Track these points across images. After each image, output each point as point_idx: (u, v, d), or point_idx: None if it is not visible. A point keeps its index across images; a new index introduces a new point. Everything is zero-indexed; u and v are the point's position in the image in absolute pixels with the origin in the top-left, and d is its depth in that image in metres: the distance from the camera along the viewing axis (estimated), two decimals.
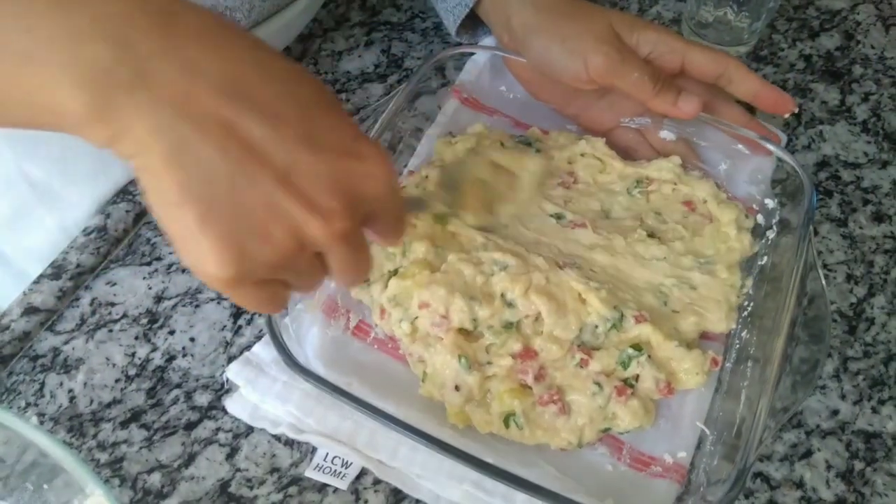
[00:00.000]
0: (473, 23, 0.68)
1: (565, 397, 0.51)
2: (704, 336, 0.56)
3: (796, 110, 0.60)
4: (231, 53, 0.33)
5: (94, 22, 0.31)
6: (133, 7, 0.32)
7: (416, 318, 0.52)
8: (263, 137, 0.32)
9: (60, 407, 0.54)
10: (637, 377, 0.52)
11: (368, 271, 0.40)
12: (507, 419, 0.50)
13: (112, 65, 0.31)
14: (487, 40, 0.71)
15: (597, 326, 0.52)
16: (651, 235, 0.58)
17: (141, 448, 0.52)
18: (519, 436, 0.50)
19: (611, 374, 0.52)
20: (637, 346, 0.52)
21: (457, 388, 0.51)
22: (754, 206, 0.61)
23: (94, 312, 0.58)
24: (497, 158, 0.56)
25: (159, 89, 0.31)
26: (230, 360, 0.55)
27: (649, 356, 0.52)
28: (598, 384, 0.51)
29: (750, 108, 0.64)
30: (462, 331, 0.52)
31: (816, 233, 0.65)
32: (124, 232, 0.62)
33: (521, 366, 0.51)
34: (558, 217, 0.59)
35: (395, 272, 0.54)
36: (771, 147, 0.60)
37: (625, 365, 0.52)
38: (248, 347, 0.55)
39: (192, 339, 0.57)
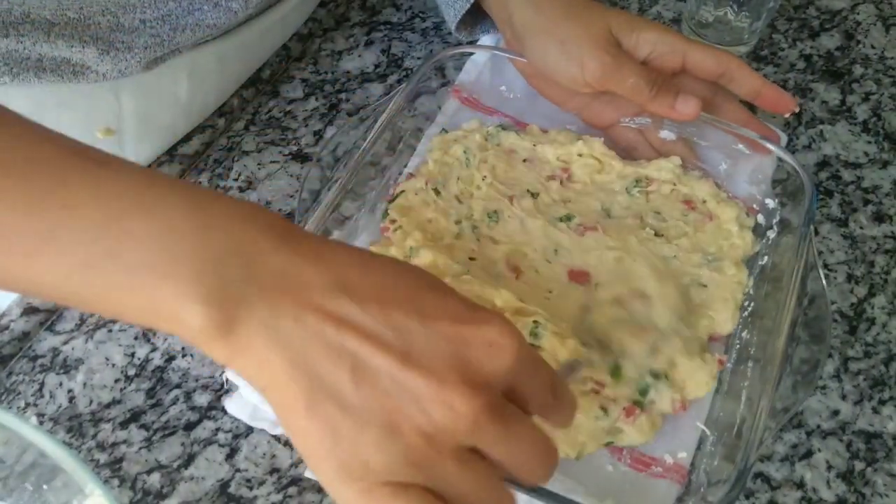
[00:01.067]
0: (473, 19, 0.68)
1: None
2: (709, 337, 0.56)
3: (797, 110, 0.60)
4: (336, 261, 0.34)
5: (225, 243, 0.33)
6: (258, 231, 0.33)
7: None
8: (375, 325, 0.32)
9: (60, 407, 0.54)
10: (651, 400, 0.51)
11: (550, 459, 0.35)
12: None
13: (237, 284, 0.32)
14: (486, 39, 0.71)
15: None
16: (657, 234, 0.58)
17: (140, 448, 0.52)
18: None
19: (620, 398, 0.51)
20: (657, 374, 0.51)
21: None
22: (755, 205, 0.61)
23: (93, 313, 0.58)
24: (608, 294, 0.54)
25: (276, 301, 0.32)
26: None
27: (667, 376, 0.51)
28: (605, 409, 0.50)
29: (751, 108, 0.64)
30: None
31: (817, 233, 0.65)
32: None
33: None
34: (567, 219, 0.59)
35: None
36: (771, 147, 0.60)
37: (643, 393, 0.51)
38: None
39: None
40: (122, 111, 0.60)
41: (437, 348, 0.32)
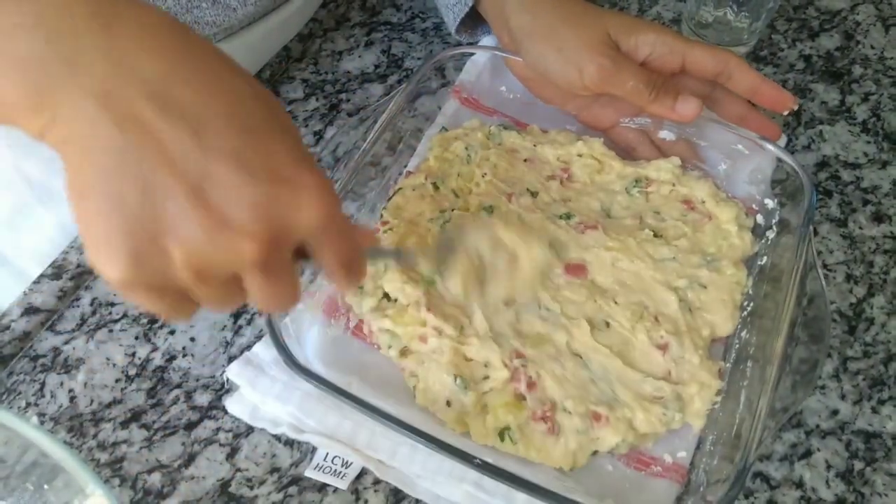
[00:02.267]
0: (473, 21, 0.68)
1: (556, 414, 0.51)
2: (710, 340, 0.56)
3: (796, 107, 0.60)
4: (170, 55, 0.32)
5: (37, 16, 0.31)
6: (74, 1, 0.32)
7: (406, 345, 0.53)
8: (183, 145, 0.31)
9: (61, 407, 0.54)
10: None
11: (292, 305, 0.38)
12: (502, 433, 0.50)
13: (48, 56, 0.31)
14: (487, 40, 0.71)
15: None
16: (656, 235, 0.58)
17: (141, 448, 0.52)
18: (514, 450, 0.50)
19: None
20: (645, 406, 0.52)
21: (448, 403, 0.51)
22: (754, 206, 0.61)
23: (94, 312, 0.58)
24: (502, 234, 0.53)
25: (89, 82, 0.31)
26: (230, 360, 0.55)
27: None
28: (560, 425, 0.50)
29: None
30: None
31: (816, 233, 0.65)
32: None
33: (515, 374, 0.51)
34: (567, 217, 0.59)
35: (388, 296, 0.54)
36: (771, 147, 0.60)
37: (609, 405, 0.52)
38: (249, 347, 0.55)
39: (192, 339, 0.57)
40: None
41: (239, 195, 0.32)
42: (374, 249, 0.47)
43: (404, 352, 0.53)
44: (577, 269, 0.57)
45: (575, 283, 0.56)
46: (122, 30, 0.32)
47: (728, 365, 0.54)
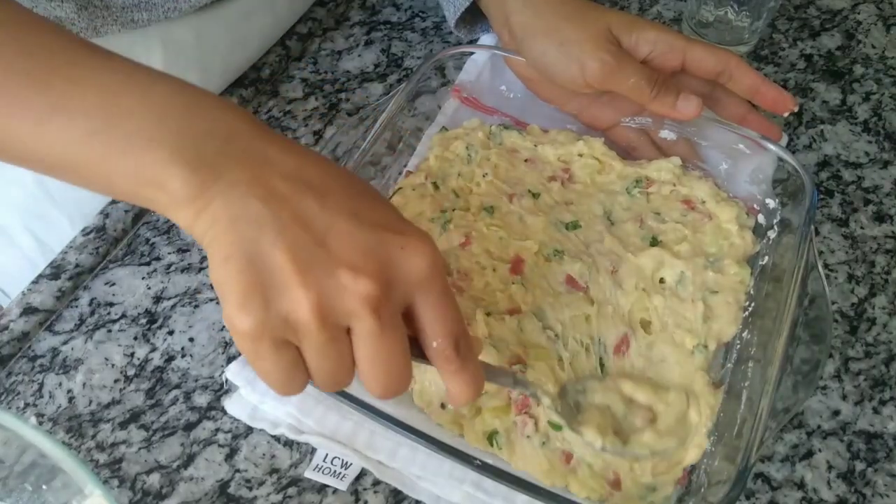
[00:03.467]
0: (473, 17, 0.68)
1: (540, 423, 0.50)
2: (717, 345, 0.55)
3: (797, 109, 0.60)
4: (298, 154, 0.39)
5: (209, 122, 0.38)
6: (238, 117, 0.39)
7: None
8: (311, 209, 0.36)
9: (59, 407, 0.53)
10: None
11: (401, 378, 0.38)
12: (490, 437, 0.49)
13: (214, 156, 0.37)
14: (486, 39, 0.71)
15: None
16: (655, 241, 0.58)
17: (140, 449, 0.52)
18: (501, 455, 0.49)
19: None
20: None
21: (442, 406, 0.50)
22: (755, 205, 0.61)
23: (92, 313, 0.58)
24: (633, 393, 0.49)
25: (239, 174, 0.36)
26: (229, 360, 0.55)
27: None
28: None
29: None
30: None
31: (817, 233, 0.64)
32: (123, 232, 0.62)
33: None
34: (574, 226, 0.59)
35: None
36: (772, 147, 0.60)
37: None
38: None
39: (191, 340, 0.57)
40: None
41: (356, 241, 0.36)
42: (490, 367, 0.45)
43: None
44: (577, 283, 0.56)
45: (577, 297, 0.55)
46: (268, 139, 0.39)
47: (729, 365, 0.54)
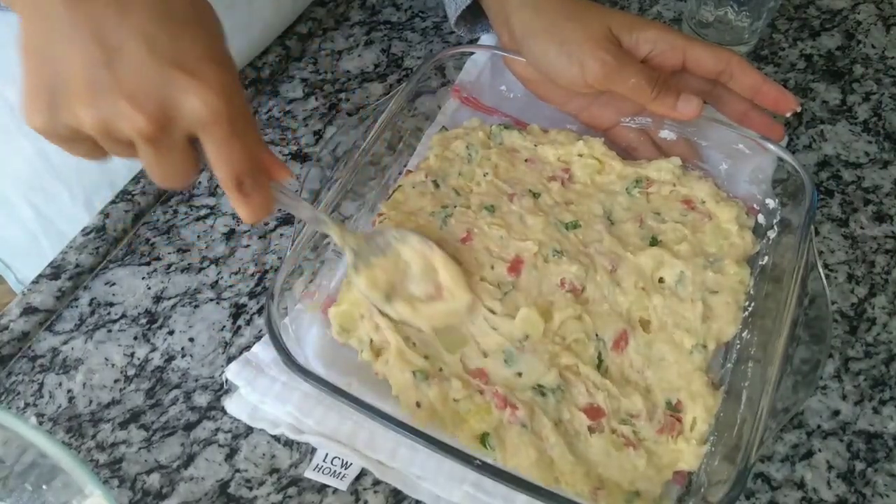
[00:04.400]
0: (473, 16, 0.68)
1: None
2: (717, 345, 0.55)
3: (798, 109, 0.59)
4: None
5: None
6: None
7: (371, 339, 0.53)
8: (109, 19, 0.37)
9: (59, 407, 0.53)
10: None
11: (181, 184, 0.42)
12: (483, 441, 0.49)
13: None
14: (486, 38, 0.71)
15: None
16: (655, 241, 0.58)
17: (140, 449, 0.52)
18: (494, 457, 0.49)
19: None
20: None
21: (418, 404, 0.50)
22: (755, 205, 0.61)
23: (93, 312, 0.58)
24: (440, 266, 0.54)
25: None
26: (229, 360, 0.55)
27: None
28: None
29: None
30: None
31: (817, 233, 0.64)
32: (123, 232, 0.62)
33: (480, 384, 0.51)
34: (574, 226, 0.59)
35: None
36: (772, 147, 0.60)
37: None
38: (248, 348, 0.55)
39: (191, 340, 0.57)
40: None
41: (143, 74, 0.37)
42: (278, 186, 0.47)
43: (376, 351, 0.53)
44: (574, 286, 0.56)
45: (569, 300, 0.55)
46: None
47: (729, 365, 0.54)
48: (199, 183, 0.65)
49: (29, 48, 0.38)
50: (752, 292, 0.56)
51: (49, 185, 0.66)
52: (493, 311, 0.54)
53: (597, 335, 0.54)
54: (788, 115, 0.59)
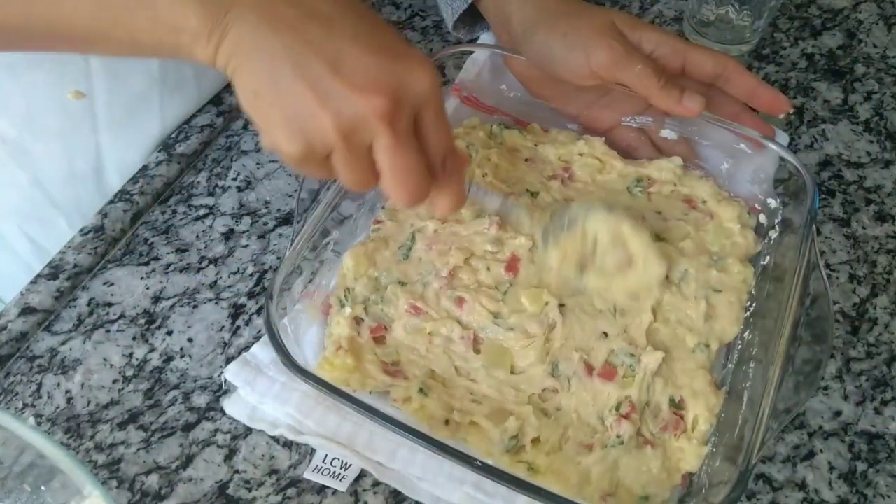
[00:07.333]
0: (472, 18, 0.68)
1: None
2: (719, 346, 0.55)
3: (792, 110, 0.61)
4: None
5: None
6: None
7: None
8: (318, 35, 0.40)
9: (58, 408, 0.53)
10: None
11: (423, 190, 0.43)
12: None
13: None
14: (486, 37, 0.71)
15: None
16: (660, 238, 0.58)
17: (139, 449, 0.52)
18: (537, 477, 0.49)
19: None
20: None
21: (447, 422, 0.50)
22: (757, 205, 0.61)
23: (91, 313, 0.57)
24: (629, 234, 0.52)
25: (247, 3, 0.40)
26: (228, 360, 0.55)
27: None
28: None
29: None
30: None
31: (819, 232, 0.64)
32: (122, 232, 0.62)
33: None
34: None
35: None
36: (773, 146, 0.60)
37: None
38: (247, 348, 0.55)
39: (189, 340, 0.56)
40: (90, 72, 0.60)
41: (366, 66, 0.40)
42: (477, 186, 0.49)
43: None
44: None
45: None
46: None
47: (731, 366, 0.54)
48: (198, 183, 0.65)
49: (259, 89, 0.40)
50: (753, 292, 0.56)
51: (46, 213, 0.66)
52: (498, 314, 0.53)
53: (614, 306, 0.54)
54: (782, 116, 0.60)
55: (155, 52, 0.43)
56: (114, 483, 0.50)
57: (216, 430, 0.53)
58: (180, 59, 0.42)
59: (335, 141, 0.40)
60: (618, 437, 0.49)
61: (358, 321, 0.53)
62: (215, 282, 0.59)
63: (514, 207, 0.52)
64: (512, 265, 0.56)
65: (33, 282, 0.58)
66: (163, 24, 0.40)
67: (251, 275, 0.60)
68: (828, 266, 0.63)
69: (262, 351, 0.54)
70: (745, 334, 0.55)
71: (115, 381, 0.55)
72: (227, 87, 0.70)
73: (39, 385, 0.54)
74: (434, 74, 0.41)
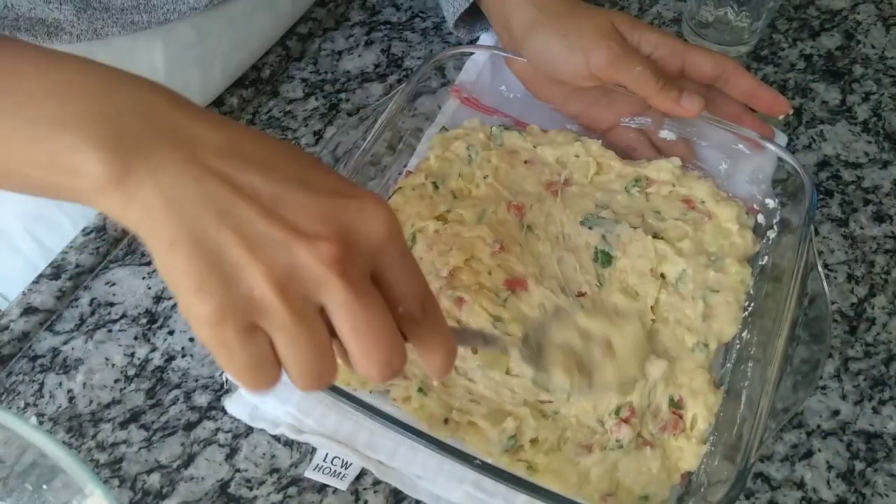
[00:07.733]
0: (472, 17, 0.68)
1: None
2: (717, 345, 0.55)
3: (791, 112, 0.61)
4: (229, 129, 0.36)
5: (126, 100, 0.35)
6: (160, 94, 0.36)
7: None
8: (253, 182, 0.33)
9: (60, 407, 0.54)
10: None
11: (398, 356, 0.35)
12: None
13: (134, 135, 0.34)
14: (486, 38, 0.71)
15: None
16: (657, 236, 0.58)
17: (140, 448, 0.52)
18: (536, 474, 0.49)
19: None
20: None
21: (446, 421, 0.51)
22: (755, 205, 0.61)
23: (93, 312, 0.58)
24: (587, 324, 0.48)
25: (168, 153, 0.33)
26: None
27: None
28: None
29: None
30: None
31: (817, 233, 0.64)
32: (123, 232, 0.62)
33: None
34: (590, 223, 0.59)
35: None
36: (772, 147, 0.60)
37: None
38: None
39: (191, 340, 0.57)
40: None
41: (309, 208, 0.33)
42: (457, 330, 0.43)
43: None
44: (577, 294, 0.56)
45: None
46: (192, 116, 0.35)
47: (729, 365, 0.54)
48: None
49: (174, 241, 0.32)
50: (751, 292, 0.57)
51: (52, 215, 0.66)
52: (499, 319, 0.54)
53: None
54: (781, 117, 0.61)
55: (47, 194, 0.36)
56: (115, 482, 0.51)
57: (217, 429, 0.53)
58: (78, 203, 0.35)
59: (269, 298, 0.32)
60: (617, 440, 0.49)
61: None
62: None
63: (499, 341, 0.48)
64: (512, 284, 0.56)
65: (35, 281, 0.58)
66: (57, 165, 0.34)
67: None
68: (826, 266, 0.63)
69: None
70: (744, 334, 0.55)
71: (116, 381, 0.55)
72: (228, 89, 0.70)
73: (41, 384, 0.54)
74: (389, 213, 0.35)
